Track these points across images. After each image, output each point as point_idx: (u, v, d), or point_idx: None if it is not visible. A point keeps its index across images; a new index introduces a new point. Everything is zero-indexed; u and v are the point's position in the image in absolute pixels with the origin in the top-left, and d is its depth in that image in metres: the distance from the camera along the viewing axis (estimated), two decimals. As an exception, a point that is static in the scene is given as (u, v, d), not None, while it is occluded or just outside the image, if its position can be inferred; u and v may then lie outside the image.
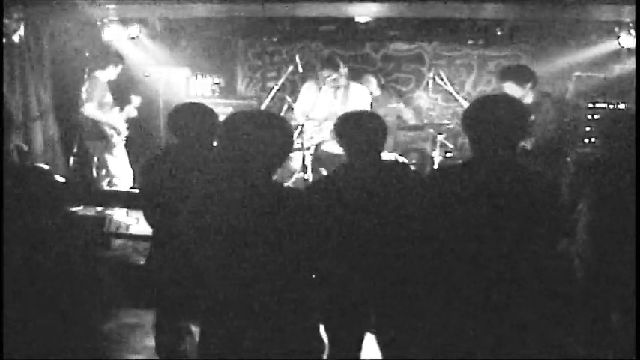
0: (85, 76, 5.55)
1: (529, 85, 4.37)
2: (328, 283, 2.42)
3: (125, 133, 5.67)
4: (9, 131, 2.28)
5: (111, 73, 5.53)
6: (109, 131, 5.51)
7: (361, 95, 5.19)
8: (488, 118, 2.13)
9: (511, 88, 4.36)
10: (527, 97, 4.36)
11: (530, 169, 2.23)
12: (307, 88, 5.34)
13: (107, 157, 5.61)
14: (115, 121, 5.54)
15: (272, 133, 1.87)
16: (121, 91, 5.73)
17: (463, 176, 2.18)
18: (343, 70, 5.15)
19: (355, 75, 6.98)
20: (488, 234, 2.10)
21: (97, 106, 5.39)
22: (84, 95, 5.44)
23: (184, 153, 2.81)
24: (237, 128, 1.85)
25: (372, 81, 6.31)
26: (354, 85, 5.27)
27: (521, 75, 4.41)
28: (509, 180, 2.11)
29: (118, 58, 5.61)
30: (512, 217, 2.09)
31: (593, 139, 5.72)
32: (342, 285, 2.49)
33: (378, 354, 2.64)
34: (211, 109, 2.89)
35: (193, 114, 2.84)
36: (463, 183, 2.15)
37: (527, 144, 4.38)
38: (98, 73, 5.47)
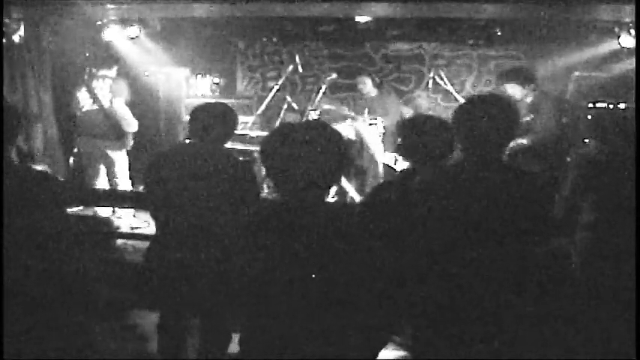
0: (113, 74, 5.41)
1: (532, 85, 4.48)
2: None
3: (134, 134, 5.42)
4: (17, 132, 2.27)
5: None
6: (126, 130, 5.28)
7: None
8: (475, 119, 2.11)
9: (513, 89, 4.47)
10: (528, 97, 4.44)
11: (520, 169, 2.21)
12: None
13: (114, 155, 5.32)
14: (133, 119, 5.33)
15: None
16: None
17: (453, 176, 2.17)
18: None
19: (352, 74, 7.00)
20: (476, 235, 2.08)
21: (124, 101, 5.24)
22: (111, 91, 5.26)
23: (198, 152, 2.76)
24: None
25: (367, 82, 6.22)
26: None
27: (523, 76, 4.53)
28: (496, 180, 2.09)
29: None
30: (500, 217, 2.07)
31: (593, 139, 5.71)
32: None
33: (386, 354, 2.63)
34: (233, 112, 2.85)
35: (218, 115, 2.79)
36: (453, 183, 2.14)
37: (524, 140, 4.42)
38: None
